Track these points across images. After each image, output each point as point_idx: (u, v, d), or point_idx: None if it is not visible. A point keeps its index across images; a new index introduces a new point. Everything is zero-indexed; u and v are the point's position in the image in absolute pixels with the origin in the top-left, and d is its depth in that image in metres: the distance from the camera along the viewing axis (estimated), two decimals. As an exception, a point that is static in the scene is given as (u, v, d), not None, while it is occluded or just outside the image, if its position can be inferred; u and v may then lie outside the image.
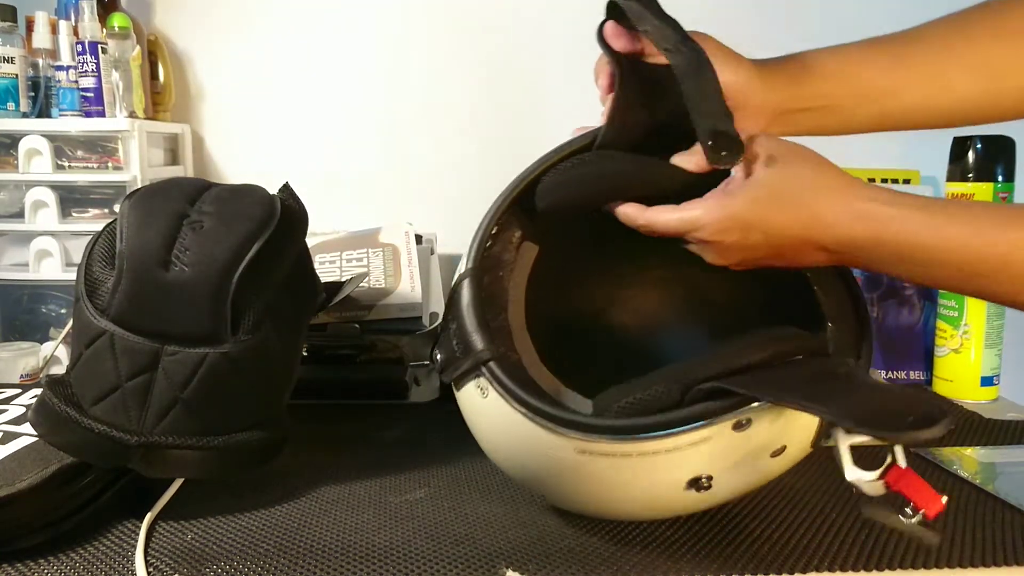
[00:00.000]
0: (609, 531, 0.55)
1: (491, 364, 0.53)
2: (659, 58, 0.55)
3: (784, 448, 0.48)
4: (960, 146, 0.89)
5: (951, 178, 0.90)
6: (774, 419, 0.46)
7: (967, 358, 0.89)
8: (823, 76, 0.60)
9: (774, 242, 0.51)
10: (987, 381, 0.89)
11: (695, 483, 0.48)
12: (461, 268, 0.57)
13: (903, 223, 0.48)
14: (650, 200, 0.54)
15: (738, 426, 0.46)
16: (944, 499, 0.42)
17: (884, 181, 1.11)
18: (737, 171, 0.52)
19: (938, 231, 0.48)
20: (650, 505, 0.52)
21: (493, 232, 0.58)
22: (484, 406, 0.54)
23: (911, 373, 0.97)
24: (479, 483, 0.63)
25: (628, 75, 0.56)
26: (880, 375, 0.93)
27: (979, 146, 0.88)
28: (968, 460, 0.69)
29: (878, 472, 0.43)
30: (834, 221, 0.49)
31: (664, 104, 0.55)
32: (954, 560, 0.51)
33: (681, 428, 0.46)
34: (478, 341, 0.53)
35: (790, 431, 0.48)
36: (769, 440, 0.48)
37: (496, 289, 0.58)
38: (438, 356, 0.57)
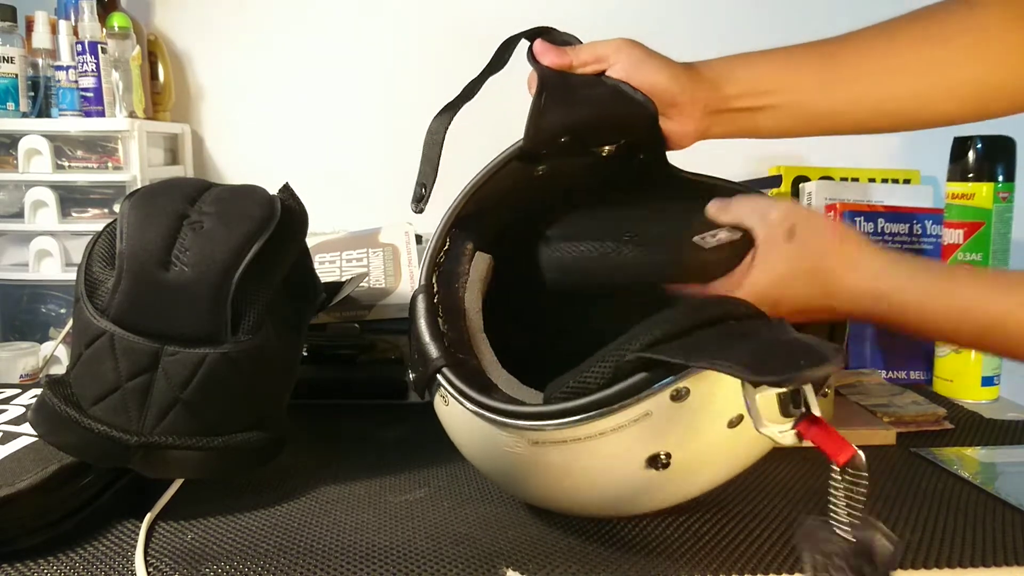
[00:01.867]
0: (609, 531, 0.55)
1: (444, 370, 0.55)
2: (585, 68, 0.60)
3: (741, 417, 0.47)
4: (960, 146, 0.89)
5: (951, 178, 0.90)
6: (713, 386, 0.45)
7: (967, 358, 0.89)
8: (752, 77, 0.61)
9: (800, 308, 0.55)
10: (987, 381, 0.89)
11: (654, 461, 0.48)
12: (416, 284, 0.61)
13: (915, 293, 0.53)
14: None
15: (676, 396, 0.45)
16: (858, 449, 0.41)
17: (884, 181, 1.11)
18: (760, 243, 0.56)
19: (946, 297, 0.53)
20: (619, 491, 0.52)
21: (445, 248, 0.62)
22: (449, 413, 0.56)
23: (911, 373, 0.97)
24: (479, 483, 0.63)
25: (545, 83, 0.59)
26: (881, 375, 0.93)
27: (979, 146, 0.88)
28: (969, 460, 0.69)
29: (790, 423, 0.42)
30: (851, 296, 0.54)
31: (579, 109, 0.59)
32: (954, 560, 0.51)
33: (618, 404, 0.46)
34: (432, 351, 0.56)
35: (741, 399, 0.46)
36: (718, 409, 0.47)
37: (453, 300, 0.60)
38: (410, 375, 0.59)
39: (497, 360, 0.59)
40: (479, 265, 0.63)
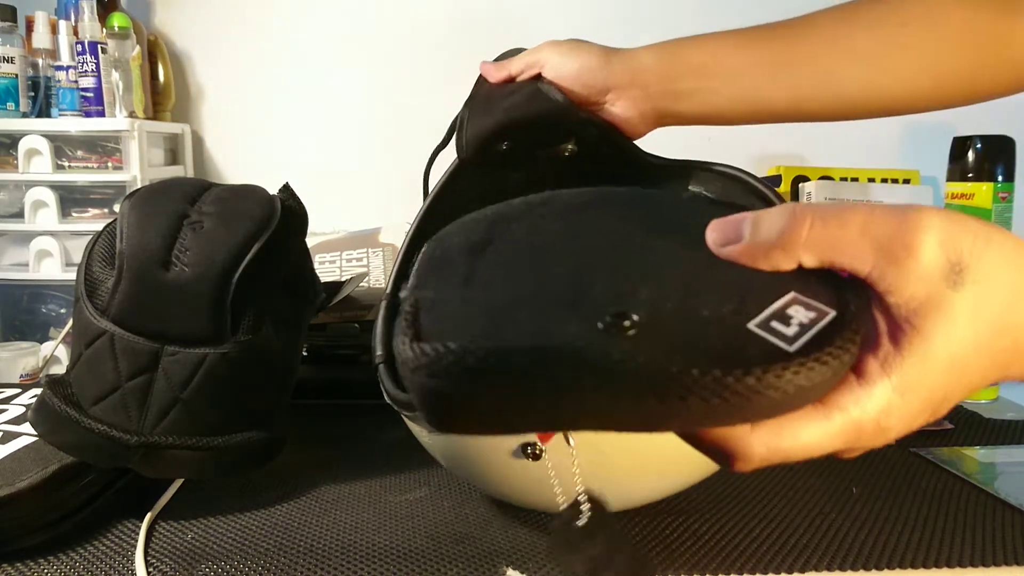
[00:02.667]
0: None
1: (380, 367, 0.54)
2: (522, 76, 0.61)
3: None
4: (960, 146, 0.89)
5: (951, 178, 0.90)
6: None
7: None
8: (696, 59, 0.59)
9: (969, 393, 0.32)
10: (987, 381, 0.88)
11: (525, 450, 0.49)
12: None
13: None
14: None
15: None
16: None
17: (884, 181, 1.11)
18: (895, 299, 0.30)
19: None
20: (503, 477, 0.54)
21: (414, 258, 0.61)
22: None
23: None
24: (479, 483, 0.64)
25: (470, 98, 0.61)
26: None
27: (979, 146, 0.88)
28: (968, 460, 0.69)
29: None
30: None
31: (496, 115, 0.59)
32: (953, 559, 0.51)
33: None
34: (378, 349, 0.55)
35: None
36: None
37: None
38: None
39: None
40: None
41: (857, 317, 0.30)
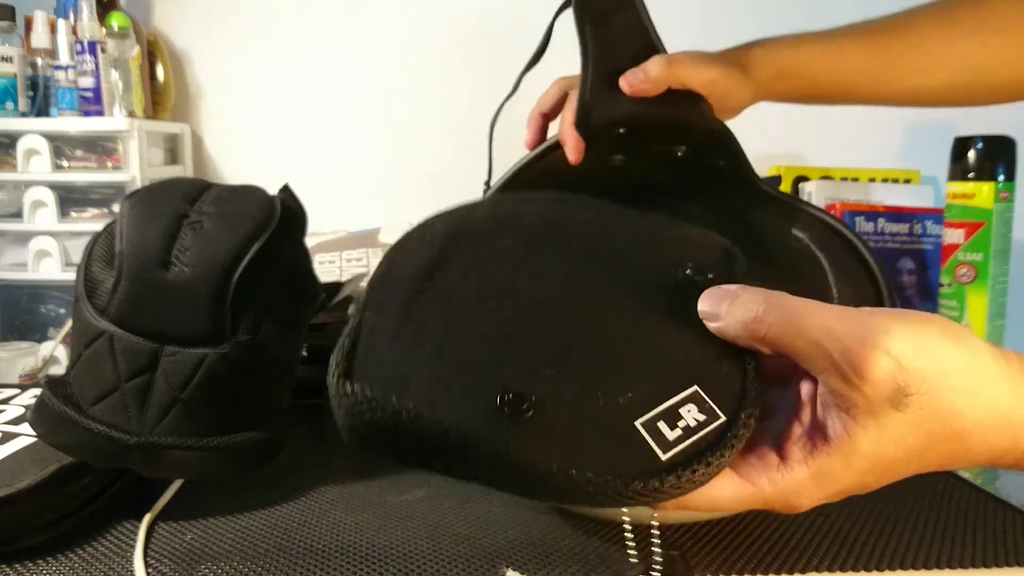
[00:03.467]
0: (609, 531, 0.55)
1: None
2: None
3: None
4: (961, 146, 0.89)
5: (952, 178, 0.90)
6: None
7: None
8: (806, 73, 0.63)
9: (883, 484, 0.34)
10: (987, 381, 0.88)
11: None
12: None
13: None
14: None
15: None
16: None
17: (884, 181, 1.11)
18: (836, 401, 0.32)
19: None
20: None
21: None
22: None
23: (911, 373, 0.97)
24: (479, 483, 0.63)
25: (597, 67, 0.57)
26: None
27: (980, 146, 0.88)
28: (968, 460, 0.69)
29: None
30: (989, 458, 0.34)
31: (629, 102, 0.57)
32: (954, 560, 0.51)
33: None
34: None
35: None
36: None
37: None
38: None
39: None
40: None
41: (744, 425, 0.32)
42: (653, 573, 0.41)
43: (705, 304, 0.35)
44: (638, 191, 0.57)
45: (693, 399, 0.32)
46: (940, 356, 0.31)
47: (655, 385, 0.32)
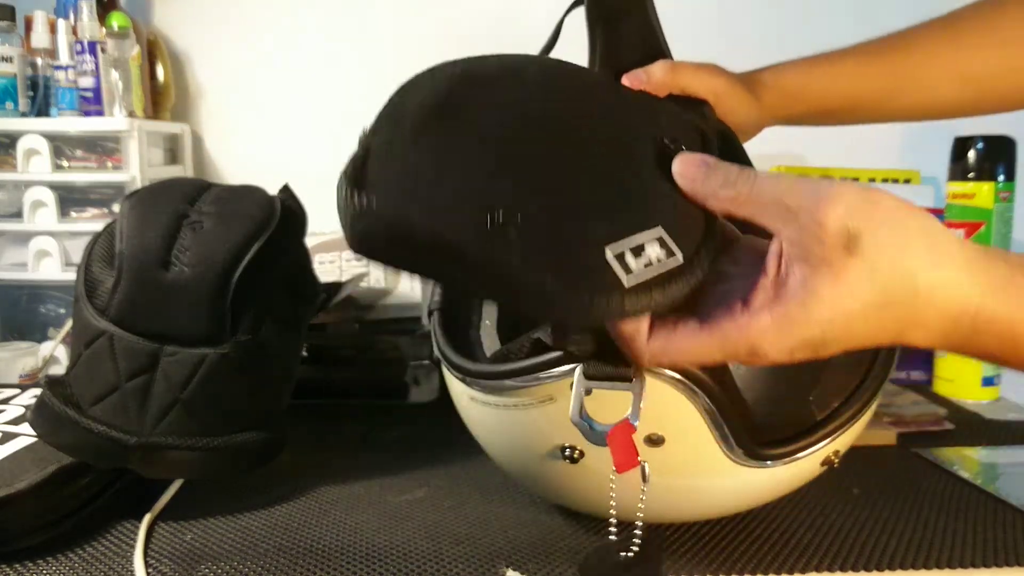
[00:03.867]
0: (609, 531, 0.55)
1: (435, 313, 0.56)
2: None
3: (662, 439, 0.44)
4: (961, 146, 0.89)
5: (952, 178, 0.90)
6: (623, 392, 0.41)
7: (968, 358, 0.89)
8: (815, 97, 0.63)
9: (853, 348, 0.37)
10: (988, 381, 0.88)
11: (564, 452, 0.47)
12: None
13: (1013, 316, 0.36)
14: None
15: (587, 392, 0.41)
16: (641, 462, 0.40)
17: (884, 181, 1.11)
18: (799, 261, 0.35)
19: None
20: (539, 472, 0.52)
21: None
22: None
23: (911, 373, 0.97)
24: (479, 483, 0.63)
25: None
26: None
27: (980, 146, 0.88)
28: (969, 461, 0.69)
29: (610, 425, 0.40)
30: (942, 326, 0.36)
31: None
32: (954, 560, 0.51)
33: (515, 380, 0.46)
34: (435, 294, 0.58)
35: (663, 418, 0.43)
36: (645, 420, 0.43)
37: None
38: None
39: (495, 326, 0.58)
40: None
41: (698, 269, 0.37)
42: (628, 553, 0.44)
43: (682, 166, 0.39)
44: None
45: (658, 239, 0.36)
46: (894, 217, 0.35)
47: (629, 223, 0.37)
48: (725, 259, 0.39)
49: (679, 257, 0.36)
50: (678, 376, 0.42)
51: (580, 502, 0.54)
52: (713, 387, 0.43)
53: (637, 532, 0.44)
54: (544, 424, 0.48)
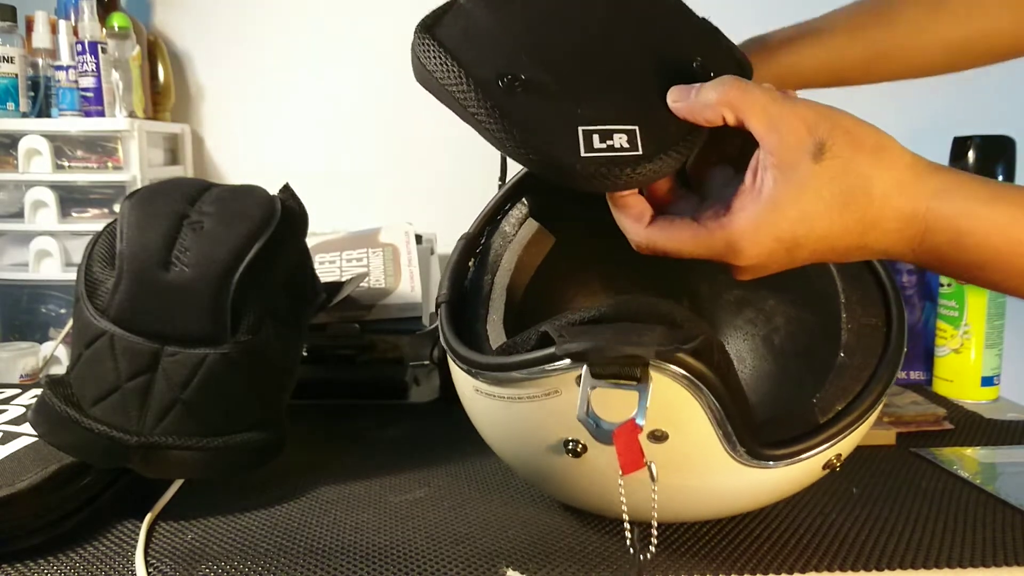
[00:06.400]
0: (609, 530, 0.55)
1: (442, 306, 0.57)
2: None
3: (666, 435, 0.45)
4: (960, 146, 0.89)
5: (951, 178, 0.90)
6: (631, 393, 0.42)
7: (967, 358, 0.89)
8: (804, 75, 0.66)
9: (823, 253, 0.42)
10: (987, 381, 0.89)
11: (568, 446, 0.47)
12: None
13: (988, 222, 0.40)
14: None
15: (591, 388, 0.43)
16: (647, 462, 0.41)
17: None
18: (772, 161, 0.41)
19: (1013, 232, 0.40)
20: (541, 466, 0.52)
21: (506, 208, 0.62)
22: None
23: (911, 373, 0.97)
24: (479, 483, 0.63)
25: None
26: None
27: (979, 146, 0.88)
28: (969, 460, 0.69)
29: (616, 424, 0.41)
30: (897, 227, 0.41)
31: None
32: (954, 560, 0.51)
33: (521, 372, 0.46)
34: (443, 287, 0.58)
35: (668, 415, 0.44)
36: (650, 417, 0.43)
37: (492, 256, 0.61)
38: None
39: (501, 320, 0.58)
40: (527, 231, 0.62)
41: (656, 165, 0.44)
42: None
43: (672, 93, 0.45)
44: None
45: (629, 133, 0.44)
46: (854, 131, 0.41)
47: (613, 114, 0.45)
48: (728, 172, 0.46)
49: (639, 151, 0.44)
50: (684, 373, 0.42)
51: (582, 498, 0.54)
52: (718, 385, 0.43)
53: (653, 533, 0.44)
54: (548, 418, 0.48)
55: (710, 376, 0.43)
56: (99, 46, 1.00)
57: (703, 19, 0.53)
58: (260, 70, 1.16)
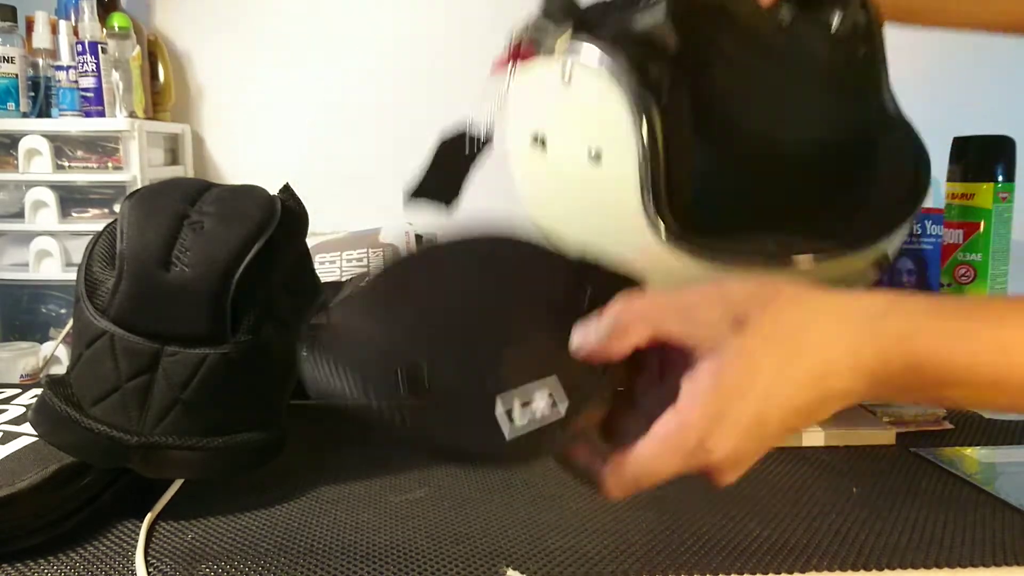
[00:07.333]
0: (609, 530, 0.55)
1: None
2: None
3: (600, 154, 0.47)
4: (960, 146, 0.89)
5: (951, 178, 0.90)
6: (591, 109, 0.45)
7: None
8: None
9: (789, 416, 0.39)
10: (987, 381, 0.88)
11: (536, 139, 0.49)
12: None
13: (936, 336, 0.38)
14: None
15: (564, 76, 0.45)
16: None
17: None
18: (703, 353, 0.39)
19: (979, 335, 0.38)
20: (519, 165, 0.54)
21: None
22: None
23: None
24: (479, 483, 0.63)
25: None
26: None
27: (979, 146, 0.88)
28: (968, 460, 0.69)
29: None
30: (853, 364, 0.38)
31: None
32: (954, 560, 0.51)
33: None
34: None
35: (606, 136, 0.46)
36: (583, 132, 0.46)
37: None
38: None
39: None
40: None
41: (576, 422, 0.40)
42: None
43: (576, 339, 0.42)
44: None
45: (548, 388, 0.40)
46: (774, 294, 0.39)
47: (524, 375, 0.41)
48: (654, 385, 0.43)
49: (561, 410, 0.40)
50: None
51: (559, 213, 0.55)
52: (657, 142, 0.45)
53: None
54: (525, 105, 0.51)
55: (656, 131, 0.45)
56: (99, 46, 1.00)
57: (577, 249, 0.50)
58: (260, 70, 1.16)
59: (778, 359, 0.38)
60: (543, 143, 0.48)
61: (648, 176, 0.45)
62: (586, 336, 0.42)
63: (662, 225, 0.46)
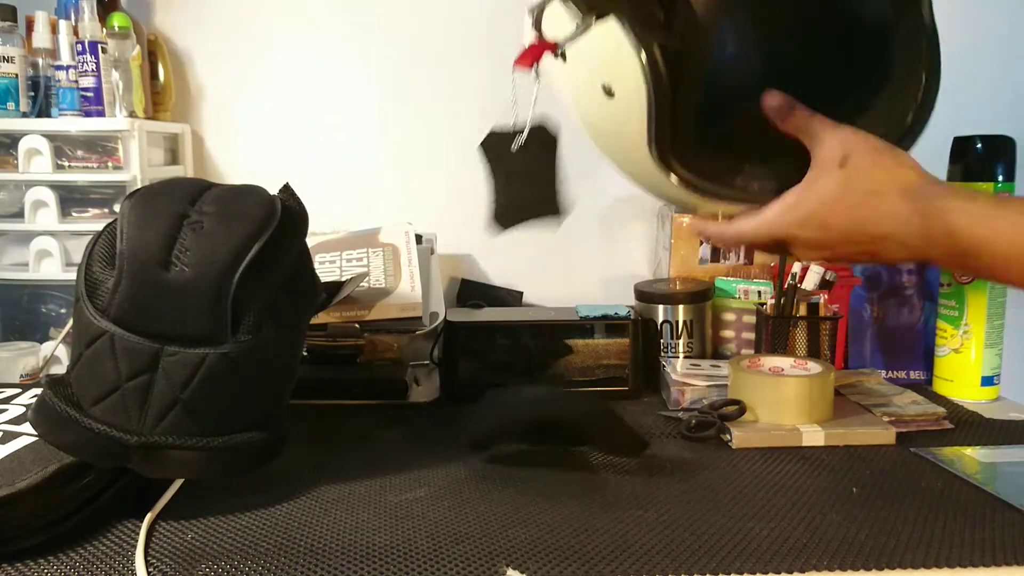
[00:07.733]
0: (609, 530, 0.55)
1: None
2: None
3: (611, 91, 0.53)
4: (960, 146, 0.89)
5: (951, 178, 0.90)
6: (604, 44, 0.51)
7: (967, 358, 0.89)
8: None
9: (850, 236, 0.54)
10: (987, 381, 0.89)
11: (606, 90, 0.54)
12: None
13: (983, 225, 0.49)
14: None
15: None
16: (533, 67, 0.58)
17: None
18: (813, 165, 0.54)
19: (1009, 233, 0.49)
20: (593, 114, 0.58)
21: None
22: None
23: (911, 373, 0.97)
24: (479, 483, 0.64)
25: None
26: (881, 375, 0.93)
27: (979, 146, 0.88)
28: (968, 460, 0.69)
29: None
30: (905, 225, 0.52)
31: None
32: (953, 559, 0.51)
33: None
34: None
35: (616, 71, 0.52)
36: (602, 62, 0.53)
37: None
38: None
39: None
40: None
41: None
42: None
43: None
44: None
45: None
46: (874, 148, 0.54)
47: None
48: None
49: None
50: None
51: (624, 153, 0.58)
52: (661, 76, 0.51)
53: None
54: (593, 62, 0.55)
55: (660, 71, 0.50)
56: (99, 46, 0.99)
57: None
58: (260, 70, 1.16)
59: (854, 197, 0.53)
60: (610, 92, 0.53)
61: (654, 112, 0.52)
62: (785, 106, 0.56)
63: (673, 177, 0.53)
